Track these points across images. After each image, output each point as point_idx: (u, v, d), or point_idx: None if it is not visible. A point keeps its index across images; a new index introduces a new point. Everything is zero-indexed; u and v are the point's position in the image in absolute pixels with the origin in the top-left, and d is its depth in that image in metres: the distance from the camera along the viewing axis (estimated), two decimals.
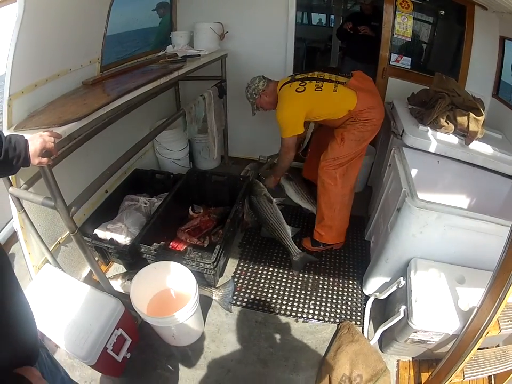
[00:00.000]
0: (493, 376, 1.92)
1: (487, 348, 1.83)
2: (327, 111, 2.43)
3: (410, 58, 3.07)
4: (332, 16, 6.35)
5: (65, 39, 2.05)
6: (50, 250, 2.06)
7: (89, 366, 1.76)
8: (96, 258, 2.44)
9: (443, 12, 3.01)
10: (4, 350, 0.89)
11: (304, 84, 2.42)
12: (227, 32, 3.21)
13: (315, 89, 2.38)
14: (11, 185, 1.74)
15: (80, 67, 2.25)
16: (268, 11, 3.15)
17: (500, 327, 1.53)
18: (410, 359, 2.08)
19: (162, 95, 3.25)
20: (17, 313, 0.96)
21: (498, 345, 1.93)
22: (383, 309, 2.30)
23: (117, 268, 2.63)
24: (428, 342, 1.85)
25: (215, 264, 2.23)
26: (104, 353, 1.78)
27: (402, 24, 2.93)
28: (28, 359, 0.98)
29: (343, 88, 2.36)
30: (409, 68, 3.10)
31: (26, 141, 1.25)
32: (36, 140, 1.26)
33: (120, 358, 1.91)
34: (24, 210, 1.85)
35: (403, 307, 1.86)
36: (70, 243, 2.31)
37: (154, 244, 2.29)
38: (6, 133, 1.63)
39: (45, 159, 1.30)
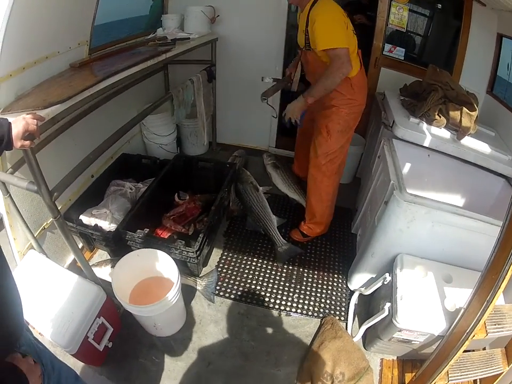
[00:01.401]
0: (478, 380, 1.82)
1: (473, 350, 1.73)
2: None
3: (404, 49, 2.92)
4: None
5: (54, 22, 1.95)
6: (35, 236, 1.98)
7: (71, 354, 1.68)
8: (81, 245, 2.42)
9: (440, 5, 2.84)
10: None
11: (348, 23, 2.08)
12: (218, 15, 3.06)
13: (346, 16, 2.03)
14: None
15: (69, 49, 2.15)
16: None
17: (486, 331, 1.44)
18: (395, 358, 1.99)
19: (151, 78, 3.13)
20: (5, 294, 0.92)
21: (484, 348, 1.84)
22: (368, 305, 2.20)
23: (101, 254, 2.52)
24: (413, 342, 1.75)
25: (198, 252, 2.12)
26: (85, 342, 1.70)
27: (397, 15, 2.78)
28: (10, 338, 0.94)
29: (356, 57, 2.14)
30: (403, 59, 2.95)
31: (9, 123, 1.20)
32: (19, 123, 1.21)
33: (101, 347, 1.83)
34: (10, 195, 1.76)
35: (388, 304, 1.76)
36: (55, 229, 2.20)
37: (138, 230, 2.17)
38: None
39: (27, 142, 1.25)
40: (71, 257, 2.38)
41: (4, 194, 1.75)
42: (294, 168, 3.14)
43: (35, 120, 1.27)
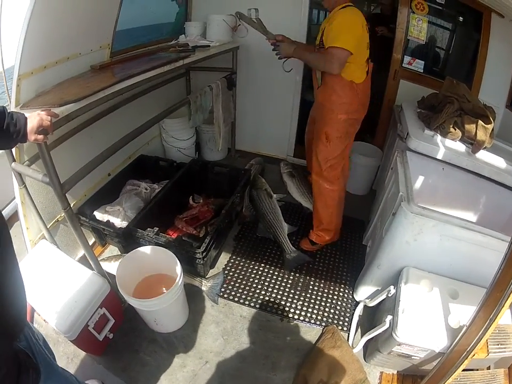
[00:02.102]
0: None
1: (477, 369, 1.64)
2: (354, 58, 2.03)
3: (423, 62, 2.84)
4: None
5: (77, 24, 2.02)
6: (47, 227, 2.04)
7: (70, 341, 1.72)
8: (93, 239, 2.47)
9: (459, 17, 2.77)
10: None
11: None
12: (240, 25, 3.07)
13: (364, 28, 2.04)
14: (14, 160, 1.75)
15: (90, 51, 2.22)
16: (282, 8, 2.99)
17: (488, 350, 1.36)
18: (395, 372, 1.90)
19: (173, 83, 3.18)
20: (10, 286, 0.94)
21: (489, 367, 1.73)
22: (372, 317, 2.12)
23: (112, 250, 2.57)
24: (413, 357, 1.66)
25: (204, 254, 2.13)
26: (85, 330, 1.74)
27: (416, 26, 2.72)
28: (14, 328, 0.97)
29: (365, 64, 2.13)
30: (422, 71, 2.88)
31: (26, 118, 1.27)
32: (34, 118, 1.28)
33: (101, 337, 1.86)
34: (25, 185, 1.84)
35: (389, 317, 1.69)
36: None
37: (148, 228, 2.20)
38: (14, 110, 1.63)
39: (41, 136, 1.31)
40: (82, 250, 2.38)
41: (19, 184, 1.83)
42: (308, 168, 3.08)
43: (49, 117, 1.33)
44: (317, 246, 2.64)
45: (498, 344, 1.38)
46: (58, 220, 2.20)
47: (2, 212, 0.95)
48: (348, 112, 2.18)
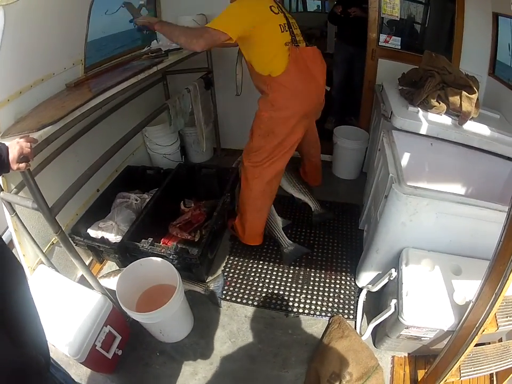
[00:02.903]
0: (494, 373, 1.69)
1: (489, 343, 1.60)
2: (259, 49, 1.94)
3: (400, 38, 2.77)
4: (327, 2, 6.05)
5: (47, 45, 1.97)
6: (43, 251, 1.99)
7: (80, 363, 1.68)
8: (91, 258, 2.44)
9: None
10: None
11: (278, 8, 1.97)
12: None
13: (270, 9, 1.91)
14: (2, 190, 1.71)
15: (64, 70, 2.15)
16: None
17: (497, 324, 1.31)
18: (406, 354, 1.86)
19: (151, 90, 3.10)
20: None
21: (500, 340, 1.70)
22: (378, 302, 2.08)
23: (111, 265, 2.50)
24: (422, 338, 1.62)
25: (201, 258, 2.09)
26: (93, 350, 1.70)
27: (389, 4, 2.64)
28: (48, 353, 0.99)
29: (285, 50, 1.93)
30: (400, 48, 2.81)
31: (7, 148, 1.23)
32: (14, 147, 1.24)
33: (110, 355, 1.81)
34: (16, 213, 1.79)
35: (394, 301, 1.64)
36: None
37: (143, 240, 2.15)
38: None
39: (22, 164, 1.27)
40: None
41: (10, 213, 1.78)
42: (300, 170, 3.03)
43: (29, 143, 1.28)
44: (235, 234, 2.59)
45: (507, 317, 1.33)
46: (53, 243, 2.15)
47: None
48: (271, 110, 2.03)
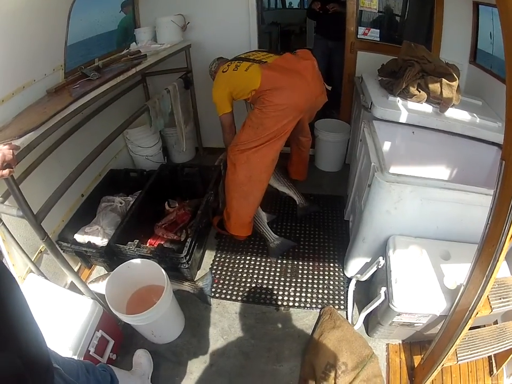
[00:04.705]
0: (492, 356, 1.67)
1: (484, 325, 1.58)
2: (241, 91, 2.23)
3: (378, 30, 2.74)
4: None
5: (26, 51, 1.92)
6: (32, 260, 1.92)
7: None
8: (79, 264, 2.37)
9: None
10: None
11: (237, 63, 2.26)
12: (189, 23, 2.94)
13: (233, 69, 2.23)
14: None
15: (44, 76, 2.09)
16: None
17: (491, 306, 1.27)
18: (400, 342, 1.84)
19: (131, 92, 3.02)
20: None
21: (496, 322, 1.68)
22: (368, 291, 2.04)
23: (99, 270, 2.42)
24: (415, 324, 1.59)
25: (187, 257, 2.02)
26: (87, 356, 1.65)
27: None
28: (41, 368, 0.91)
29: (255, 67, 2.17)
30: (379, 40, 2.78)
31: None
32: None
33: (104, 360, 1.77)
34: (3, 222, 1.71)
35: (383, 289, 1.60)
36: None
37: (129, 242, 2.09)
38: None
39: (6, 171, 1.23)
40: None
41: None
42: (286, 165, 3.01)
43: (11, 150, 1.25)
44: (223, 231, 2.57)
45: (500, 299, 1.29)
46: (41, 251, 2.08)
47: None
48: (262, 105, 2.15)
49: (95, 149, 1.95)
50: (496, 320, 1.68)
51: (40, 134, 1.53)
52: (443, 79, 1.95)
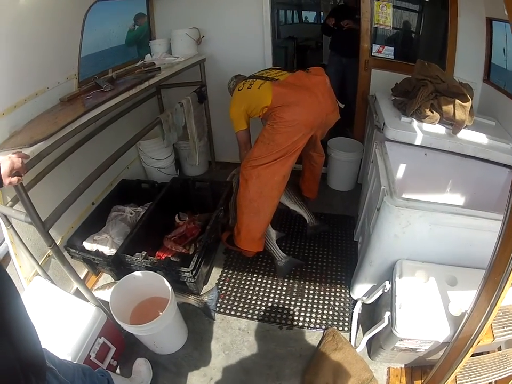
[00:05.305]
0: (493, 382, 1.62)
1: (488, 352, 1.56)
2: (254, 108, 2.31)
3: (392, 48, 2.75)
4: (322, 13, 6.07)
5: (41, 59, 2.00)
6: (39, 263, 1.98)
7: None
8: (86, 270, 2.42)
9: None
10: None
11: (251, 81, 2.36)
12: (203, 36, 3.01)
13: (247, 88, 2.33)
14: None
15: (58, 84, 2.16)
16: (243, 11, 2.91)
17: (493, 335, 1.26)
18: (402, 366, 1.81)
19: (145, 104, 3.10)
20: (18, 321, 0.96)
21: (500, 348, 1.64)
22: (372, 314, 2.03)
23: (106, 278, 2.48)
24: (417, 350, 1.58)
25: (194, 272, 2.04)
26: (88, 361, 1.69)
27: (381, 13, 2.63)
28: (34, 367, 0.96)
29: (267, 85, 2.26)
30: (393, 57, 2.79)
31: None
32: (5, 163, 1.25)
33: (104, 365, 1.80)
34: (12, 225, 1.78)
35: (387, 313, 1.59)
36: None
37: (136, 253, 2.13)
38: None
39: (14, 179, 1.28)
40: None
41: (6, 225, 1.78)
42: (298, 182, 3.03)
43: (20, 159, 1.29)
44: (233, 247, 2.57)
45: (503, 327, 1.28)
46: (49, 255, 2.13)
47: None
48: (273, 122, 2.21)
49: (106, 160, 1.99)
50: (500, 346, 1.65)
51: (51, 144, 1.58)
52: (456, 99, 1.95)
